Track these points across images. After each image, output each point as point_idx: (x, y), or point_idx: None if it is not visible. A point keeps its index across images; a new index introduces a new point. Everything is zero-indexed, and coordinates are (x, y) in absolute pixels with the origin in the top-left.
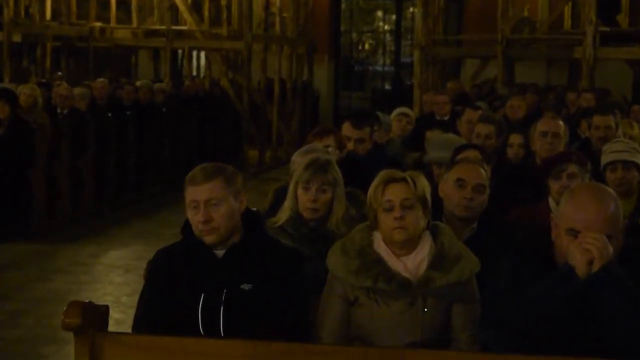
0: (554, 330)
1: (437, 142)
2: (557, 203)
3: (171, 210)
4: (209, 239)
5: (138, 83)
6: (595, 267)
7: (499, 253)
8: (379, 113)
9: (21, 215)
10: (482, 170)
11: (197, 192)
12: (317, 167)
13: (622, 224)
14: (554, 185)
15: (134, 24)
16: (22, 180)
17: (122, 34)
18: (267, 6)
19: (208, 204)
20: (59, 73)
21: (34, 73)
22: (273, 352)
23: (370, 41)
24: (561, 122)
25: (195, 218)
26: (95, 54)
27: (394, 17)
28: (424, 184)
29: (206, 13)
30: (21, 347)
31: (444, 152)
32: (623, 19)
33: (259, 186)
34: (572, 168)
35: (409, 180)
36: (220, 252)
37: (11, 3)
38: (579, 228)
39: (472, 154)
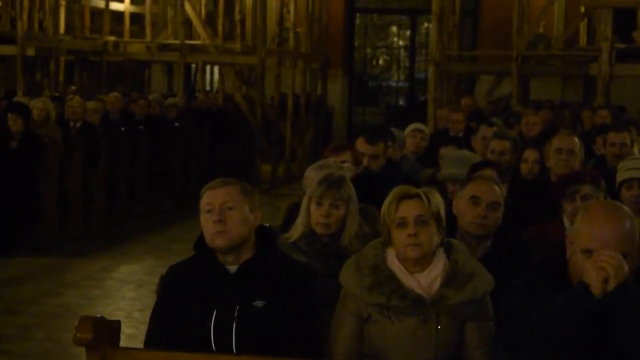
0: (568, 348)
1: (452, 159)
2: (572, 223)
3: (183, 225)
4: (220, 241)
5: (150, 97)
6: (611, 286)
7: (514, 271)
8: (393, 129)
9: (32, 228)
10: (497, 188)
11: (213, 195)
12: (331, 183)
13: (637, 242)
14: (567, 207)
15: (148, 38)
16: (33, 194)
17: (136, 48)
18: (281, 21)
19: (223, 206)
20: (72, 87)
21: (47, 87)
22: None
23: (385, 57)
24: (576, 139)
25: (208, 220)
26: (109, 68)
27: (408, 32)
28: (438, 200)
29: (220, 28)
30: None
31: (458, 168)
32: (639, 36)
33: (272, 202)
34: (586, 189)
35: (423, 196)
36: (232, 268)
37: (25, 17)
38: (594, 246)
39: (488, 172)
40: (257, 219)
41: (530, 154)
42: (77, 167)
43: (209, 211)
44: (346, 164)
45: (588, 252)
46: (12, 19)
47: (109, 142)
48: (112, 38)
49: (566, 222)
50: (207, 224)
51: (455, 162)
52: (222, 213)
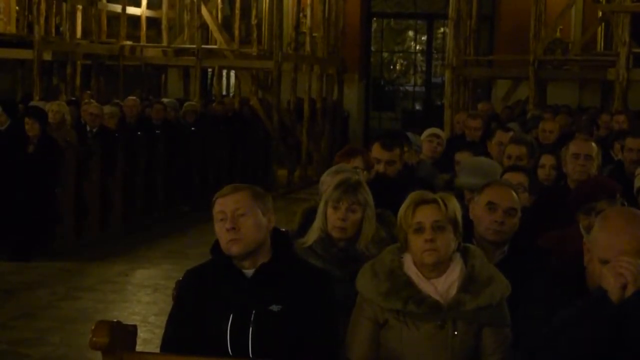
0: (587, 355)
1: (469, 168)
2: (588, 234)
3: (200, 230)
4: (235, 249)
5: (164, 101)
6: (629, 292)
7: (531, 276)
8: (409, 134)
9: (49, 233)
10: (514, 193)
11: (224, 203)
12: (347, 187)
13: None
14: (583, 221)
15: (164, 42)
16: (50, 198)
17: (152, 52)
18: (297, 26)
19: (235, 213)
20: (88, 91)
21: (64, 91)
22: None
23: (401, 61)
24: (594, 144)
25: (222, 229)
26: (125, 72)
27: (425, 37)
28: (454, 205)
29: (236, 32)
30: None
31: (475, 178)
32: None
33: (288, 206)
34: (602, 205)
35: (440, 201)
36: (249, 272)
37: (42, 21)
38: (612, 255)
39: (517, 176)
40: (271, 222)
41: (547, 160)
42: (95, 171)
43: (221, 219)
44: (357, 170)
45: (606, 261)
46: (29, 23)
47: (126, 147)
48: (128, 42)
49: (583, 231)
50: (221, 232)
51: (473, 171)
52: (235, 220)
